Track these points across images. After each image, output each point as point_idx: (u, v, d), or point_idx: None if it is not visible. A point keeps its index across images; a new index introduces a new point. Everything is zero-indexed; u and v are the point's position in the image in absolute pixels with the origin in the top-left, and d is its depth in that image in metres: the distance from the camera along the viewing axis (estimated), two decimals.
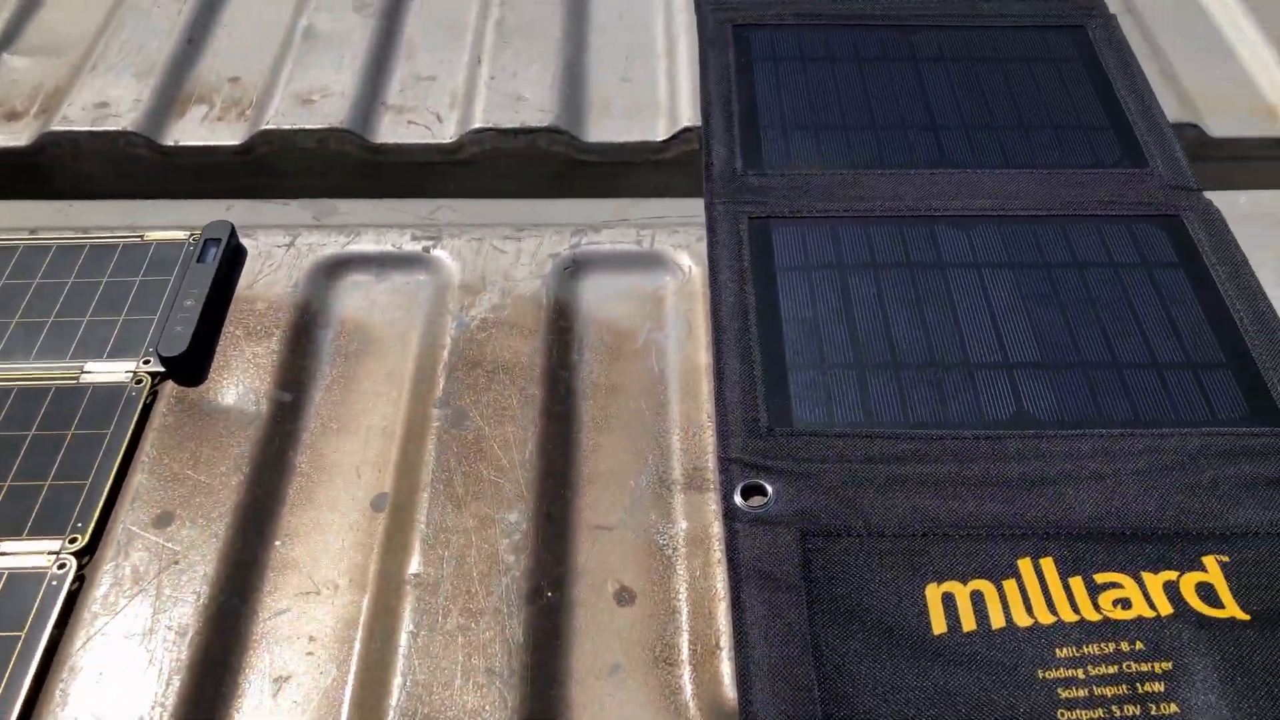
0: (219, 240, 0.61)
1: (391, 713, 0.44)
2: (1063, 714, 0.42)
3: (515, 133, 0.72)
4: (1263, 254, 0.63)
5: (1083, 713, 0.42)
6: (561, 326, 0.60)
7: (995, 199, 0.65)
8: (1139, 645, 0.43)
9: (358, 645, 0.46)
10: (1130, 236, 0.63)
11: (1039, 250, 0.62)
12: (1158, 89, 0.74)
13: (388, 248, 0.64)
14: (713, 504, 0.51)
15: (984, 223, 0.64)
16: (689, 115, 0.73)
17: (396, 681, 0.45)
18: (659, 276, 0.63)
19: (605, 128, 0.73)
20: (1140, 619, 0.44)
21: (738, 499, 0.50)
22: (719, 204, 0.65)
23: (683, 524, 0.51)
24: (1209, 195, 0.66)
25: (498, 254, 0.63)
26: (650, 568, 0.49)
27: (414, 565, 0.49)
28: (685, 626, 0.47)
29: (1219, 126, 0.73)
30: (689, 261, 0.63)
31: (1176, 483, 0.50)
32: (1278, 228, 0.64)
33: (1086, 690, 0.42)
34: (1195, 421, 0.53)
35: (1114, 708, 0.42)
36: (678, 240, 0.64)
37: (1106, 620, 0.44)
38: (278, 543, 0.50)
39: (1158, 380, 0.55)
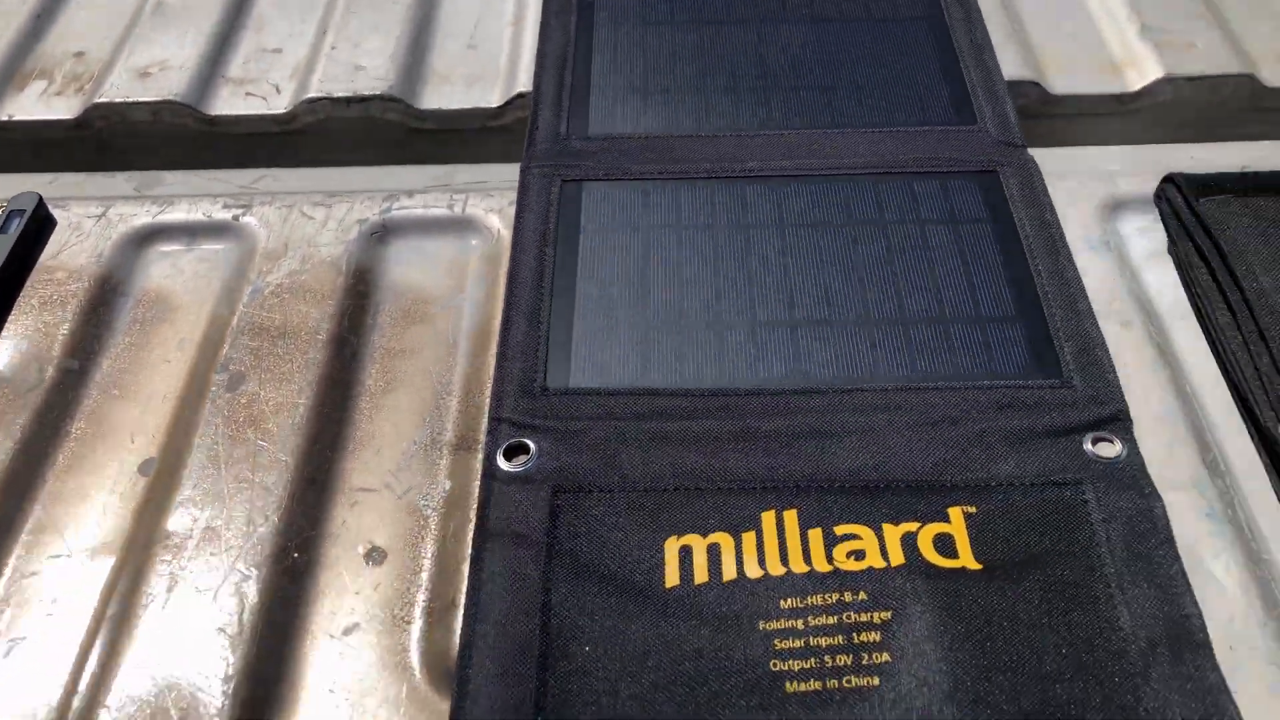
0: (22, 211, 0.61)
1: (122, 670, 0.44)
2: (774, 664, 0.42)
3: (348, 101, 0.72)
4: (1074, 209, 0.62)
5: (795, 663, 0.42)
6: (360, 291, 0.59)
7: (815, 159, 0.65)
8: (862, 596, 0.43)
9: (98, 607, 0.46)
10: (943, 192, 0.62)
11: (846, 208, 0.61)
12: (1003, 46, 0.73)
13: (198, 217, 0.64)
14: (480, 465, 0.50)
15: (797, 183, 0.63)
16: (526, 81, 0.72)
17: (130, 641, 0.45)
18: (467, 241, 0.63)
19: (443, 95, 0.73)
20: (870, 570, 0.44)
21: (499, 458, 0.50)
22: (534, 168, 0.64)
23: (446, 484, 0.51)
24: (1044, 151, 0.65)
25: (306, 220, 0.63)
26: (407, 529, 0.49)
27: (166, 528, 0.49)
28: (427, 586, 0.47)
29: (1061, 83, 0.72)
30: (499, 225, 0.63)
31: (942, 436, 0.50)
32: (1096, 181, 0.64)
33: (803, 641, 0.42)
34: (974, 375, 0.53)
35: (827, 658, 0.42)
36: (491, 204, 0.64)
37: (836, 572, 0.44)
38: (38, 507, 0.50)
39: (943, 335, 0.54)
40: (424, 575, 0.47)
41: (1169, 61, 0.71)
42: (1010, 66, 0.71)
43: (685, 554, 0.46)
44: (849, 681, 0.41)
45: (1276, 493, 0.48)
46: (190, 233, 0.63)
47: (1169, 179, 0.58)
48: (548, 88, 0.70)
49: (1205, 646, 0.42)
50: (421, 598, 0.46)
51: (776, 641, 0.42)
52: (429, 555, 0.48)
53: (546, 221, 0.61)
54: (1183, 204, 0.56)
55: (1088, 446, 0.50)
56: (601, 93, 0.70)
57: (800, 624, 0.42)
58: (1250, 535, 0.47)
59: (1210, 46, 0.72)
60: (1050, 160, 0.65)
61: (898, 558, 0.45)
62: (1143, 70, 0.72)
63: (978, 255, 0.58)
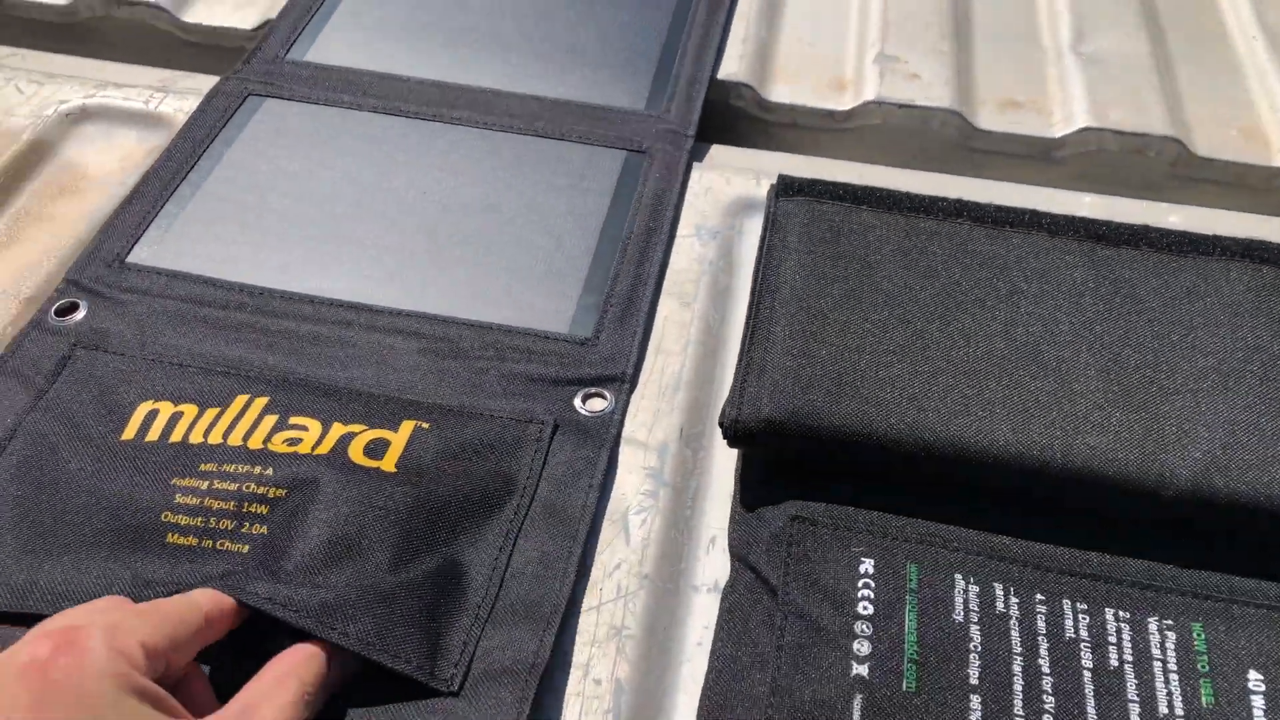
0: None
1: None
2: (166, 515, 0.46)
3: (119, 3, 0.77)
4: (708, 199, 0.65)
5: (184, 518, 0.46)
6: (31, 161, 0.65)
7: (505, 118, 0.68)
8: (268, 472, 0.47)
9: None
10: (586, 162, 0.65)
11: (495, 161, 0.65)
12: (738, 48, 0.76)
13: None
14: None
15: (472, 135, 0.67)
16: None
17: None
18: (150, 135, 0.68)
19: (211, 11, 0.78)
20: (294, 455, 0.48)
21: (51, 313, 0.55)
22: (233, 78, 0.69)
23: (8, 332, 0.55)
24: (739, 151, 0.69)
25: (15, 93, 0.69)
26: None
27: None
28: None
29: (777, 93, 0.75)
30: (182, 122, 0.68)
31: (448, 367, 0.53)
32: (743, 178, 0.66)
33: (199, 500, 0.46)
34: (508, 321, 0.56)
35: (212, 520, 0.45)
36: (187, 107, 0.69)
37: (264, 451, 0.48)
38: None
39: (505, 284, 0.58)
40: None
41: (886, 88, 0.74)
42: (734, 68, 0.74)
43: (151, 416, 0.50)
44: (222, 544, 0.45)
45: (737, 479, 0.50)
46: None
47: (779, 179, 0.61)
48: (288, 15, 0.75)
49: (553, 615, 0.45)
50: None
51: (178, 497, 0.46)
52: None
53: (213, 126, 0.66)
54: (771, 200, 0.59)
55: (578, 401, 0.53)
56: (335, 28, 0.75)
57: (204, 485, 0.46)
58: (688, 505, 0.50)
59: (933, 82, 0.74)
60: (733, 158, 0.68)
61: (324, 449, 0.48)
62: (859, 92, 0.75)
63: (581, 221, 0.62)
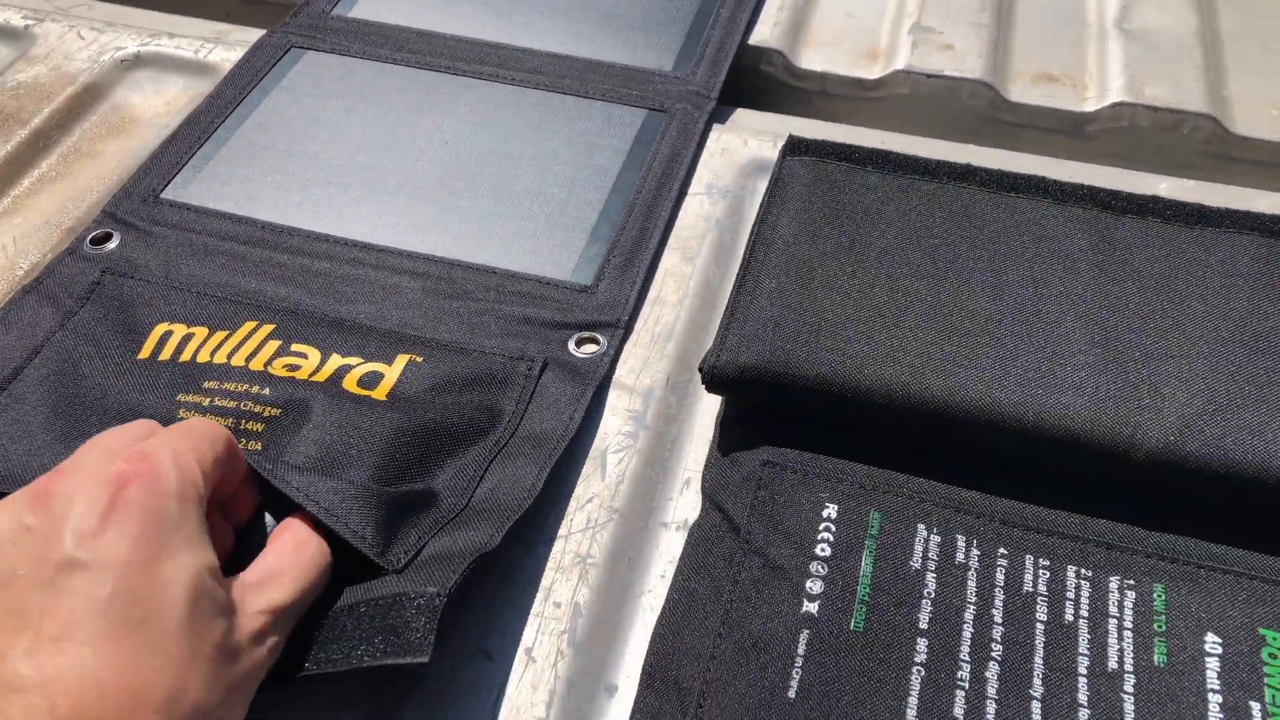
0: None
1: None
2: None
3: None
4: (724, 159, 0.66)
5: None
6: (84, 102, 0.69)
7: (533, 75, 0.70)
8: (266, 392, 0.49)
9: None
10: (606, 119, 0.67)
11: (518, 116, 0.67)
12: (773, 15, 0.77)
13: None
14: None
15: (498, 90, 0.69)
16: None
17: None
18: (198, 82, 0.71)
19: None
20: (291, 380, 0.50)
21: (87, 242, 0.58)
22: (278, 32, 0.72)
23: (36, 259, 0.59)
24: (766, 116, 0.69)
25: (76, 39, 0.73)
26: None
27: None
28: None
29: (808, 60, 0.75)
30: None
31: (450, 307, 0.56)
32: (760, 140, 0.67)
33: (201, 414, 0.49)
34: (514, 266, 0.58)
35: None
36: (234, 57, 0.72)
37: (264, 374, 0.51)
38: None
39: (515, 230, 0.60)
40: None
41: (917, 59, 0.74)
42: (768, 35, 0.75)
43: (165, 336, 0.53)
44: None
45: (717, 425, 0.51)
46: None
47: (789, 138, 0.62)
48: None
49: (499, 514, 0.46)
50: None
51: (181, 412, 0.49)
52: None
53: (255, 75, 0.69)
54: (780, 159, 0.60)
55: (571, 344, 0.54)
56: None
57: (206, 401, 0.49)
58: (667, 449, 0.51)
59: (966, 53, 0.73)
60: (756, 121, 0.69)
61: (320, 378, 0.51)
62: (890, 62, 0.75)
63: (595, 175, 0.63)
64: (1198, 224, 0.54)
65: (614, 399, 0.52)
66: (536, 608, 0.44)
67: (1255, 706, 0.40)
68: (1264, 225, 0.54)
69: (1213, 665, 0.41)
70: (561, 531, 0.47)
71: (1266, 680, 0.40)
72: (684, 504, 0.49)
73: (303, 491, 0.42)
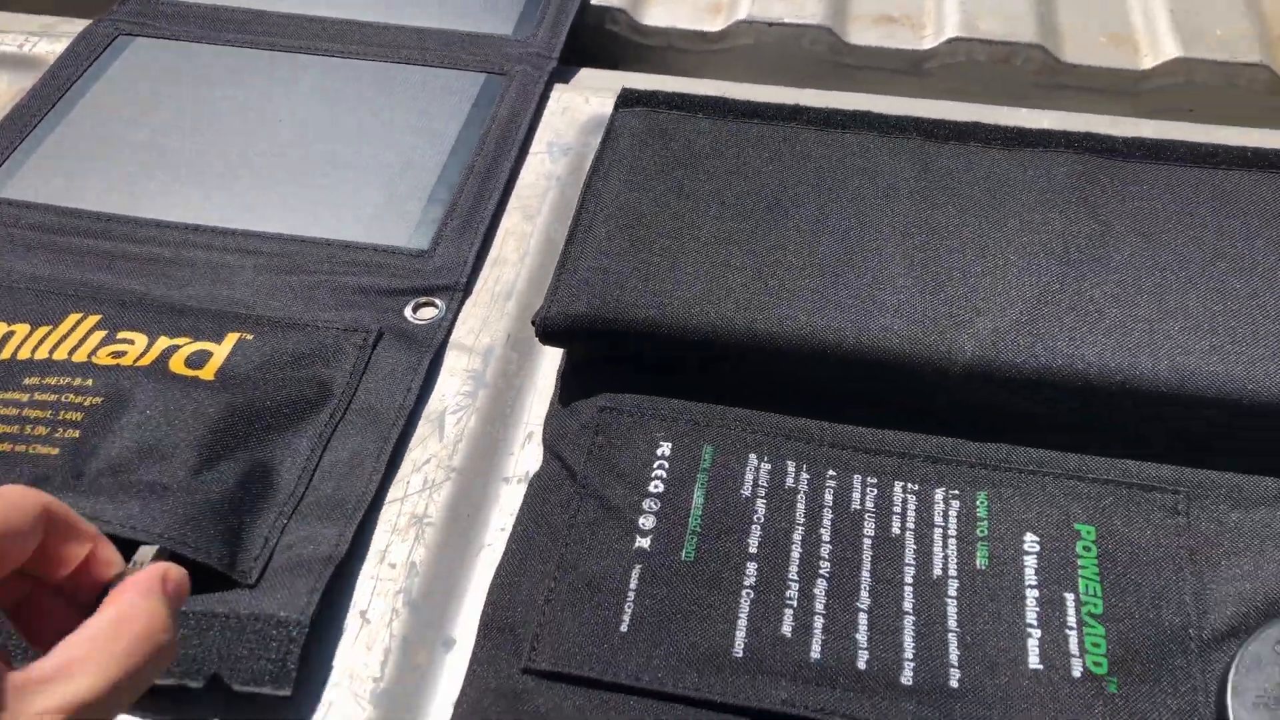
0: None
1: None
2: None
3: None
4: (565, 117, 0.66)
5: (2, 427, 0.47)
6: None
7: (371, 47, 0.69)
8: (88, 383, 0.48)
9: None
10: (447, 87, 0.66)
11: (355, 89, 0.66)
12: None
13: None
14: None
15: (334, 65, 0.68)
16: None
17: None
18: (22, 76, 0.69)
19: None
20: (116, 367, 0.49)
21: None
22: (106, 20, 0.70)
23: None
24: (615, 74, 0.69)
25: None
26: None
27: None
28: None
29: (651, 17, 0.76)
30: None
31: (284, 282, 0.55)
32: (601, 98, 0.67)
33: (18, 411, 0.47)
34: (343, 235, 0.57)
35: (28, 427, 0.47)
36: (59, 49, 0.70)
37: (86, 364, 0.49)
38: None
39: (345, 199, 0.59)
40: None
41: (758, 8, 0.74)
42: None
43: None
44: (34, 449, 0.46)
45: (558, 378, 0.51)
46: None
47: (622, 91, 0.62)
48: None
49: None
50: None
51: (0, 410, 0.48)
52: None
53: (81, 65, 0.67)
54: (612, 112, 0.60)
55: (408, 310, 0.54)
56: None
57: (25, 397, 0.48)
58: (509, 405, 0.51)
59: (805, 1, 0.74)
60: (600, 79, 0.69)
61: (145, 361, 0.50)
62: (732, 13, 0.75)
63: (432, 141, 0.63)
64: (1016, 146, 0.56)
65: (452, 360, 0.52)
66: (370, 570, 0.44)
67: (1069, 597, 0.41)
68: (1077, 143, 0.55)
69: (1030, 563, 0.42)
70: (396, 495, 0.47)
71: (1080, 572, 0.42)
72: (525, 458, 0.49)
73: (127, 524, 0.41)
